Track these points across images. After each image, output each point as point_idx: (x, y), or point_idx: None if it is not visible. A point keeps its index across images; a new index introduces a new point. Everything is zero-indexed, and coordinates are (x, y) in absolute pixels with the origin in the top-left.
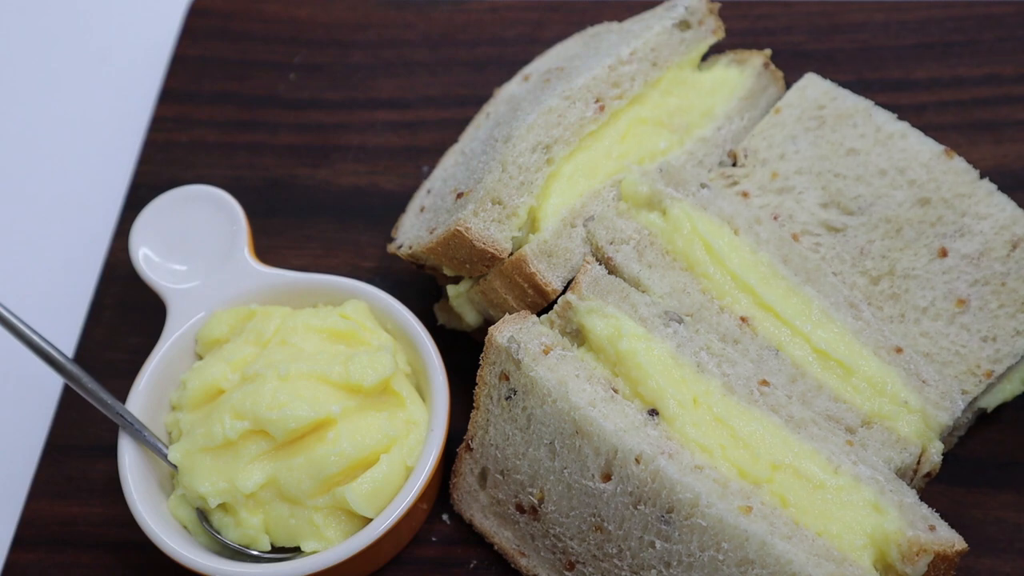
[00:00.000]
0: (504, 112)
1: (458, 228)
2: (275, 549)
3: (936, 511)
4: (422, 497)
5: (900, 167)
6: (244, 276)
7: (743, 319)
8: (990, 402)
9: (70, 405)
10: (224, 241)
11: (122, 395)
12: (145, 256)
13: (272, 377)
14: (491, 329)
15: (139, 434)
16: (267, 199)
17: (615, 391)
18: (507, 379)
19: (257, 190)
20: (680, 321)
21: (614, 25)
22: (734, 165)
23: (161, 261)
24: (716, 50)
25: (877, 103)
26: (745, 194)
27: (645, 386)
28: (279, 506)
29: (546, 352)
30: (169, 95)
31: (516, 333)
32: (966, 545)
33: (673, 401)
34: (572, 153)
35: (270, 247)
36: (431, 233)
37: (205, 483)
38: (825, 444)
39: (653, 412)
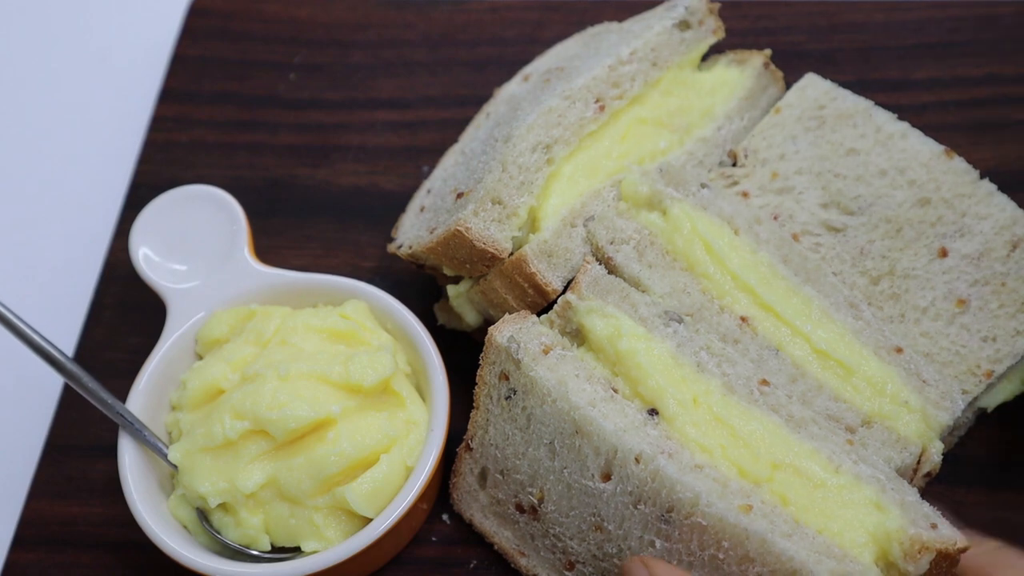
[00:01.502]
0: (504, 112)
1: (458, 228)
2: (275, 549)
3: (936, 511)
4: (422, 497)
5: (900, 167)
6: (244, 276)
7: (743, 319)
8: (990, 402)
9: (70, 405)
10: (224, 241)
11: (122, 395)
12: (145, 256)
13: (272, 377)
14: (491, 329)
15: (139, 434)
16: (267, 199)
17: (615, 391)
18: (507, 379)
19: (257, 190)
20: (680, 321)
21: (614, 25)
22: (734, 165)
23: (161, 261)
24: (716, 50)
25: (877, 103)
26: (745, 194)
27: (645, 386)
28: (279, 506)
29: (546, 352)
30: (169, 95)
31: (516, 333)
32: (968, 543)
33: (673, 401)
34: (572, 153)
35: (270, 247)
36: (431, 233)
37: (205, 483)
38: (825, 444)
39: (653, 412)
